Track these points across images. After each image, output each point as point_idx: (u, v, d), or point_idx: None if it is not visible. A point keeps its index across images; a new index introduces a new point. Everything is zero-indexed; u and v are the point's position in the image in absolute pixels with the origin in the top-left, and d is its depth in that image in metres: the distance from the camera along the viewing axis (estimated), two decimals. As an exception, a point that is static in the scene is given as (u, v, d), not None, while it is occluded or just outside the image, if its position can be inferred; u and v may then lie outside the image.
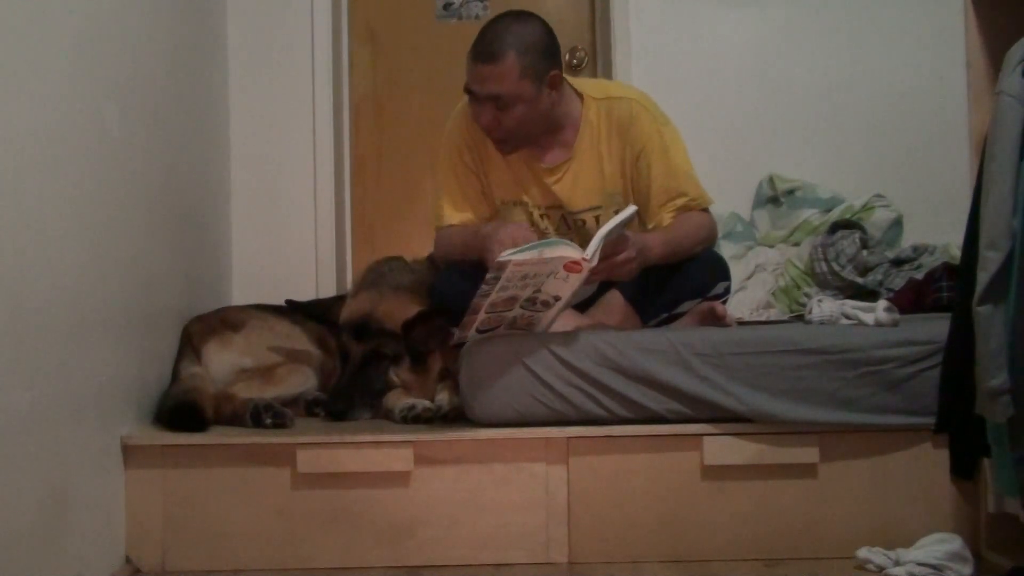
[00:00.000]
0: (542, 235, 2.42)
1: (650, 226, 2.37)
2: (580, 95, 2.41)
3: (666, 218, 2.34)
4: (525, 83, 2.25)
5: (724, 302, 2.42)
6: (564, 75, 2.37)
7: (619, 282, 2.31)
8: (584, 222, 2.43)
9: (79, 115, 1.98)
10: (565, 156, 2.40)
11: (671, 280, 2.32)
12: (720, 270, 2.40)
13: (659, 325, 2.36)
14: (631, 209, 2.12)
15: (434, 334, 2.37)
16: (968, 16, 2.38)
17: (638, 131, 2.36)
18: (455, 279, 2.37)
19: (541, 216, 2.46)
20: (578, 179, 2.40)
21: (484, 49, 2.24)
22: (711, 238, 2.42)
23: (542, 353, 2.15)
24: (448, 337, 2.32)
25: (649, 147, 2.35)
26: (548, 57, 2.29)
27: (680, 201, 2.34)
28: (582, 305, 2.37)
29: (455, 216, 2.45)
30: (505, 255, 1.97)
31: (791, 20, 3.42)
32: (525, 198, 2.45)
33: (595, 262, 2.03)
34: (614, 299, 2.36)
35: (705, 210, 2.39)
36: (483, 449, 2.15)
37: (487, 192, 2.48)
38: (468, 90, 2.30)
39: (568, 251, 2.01)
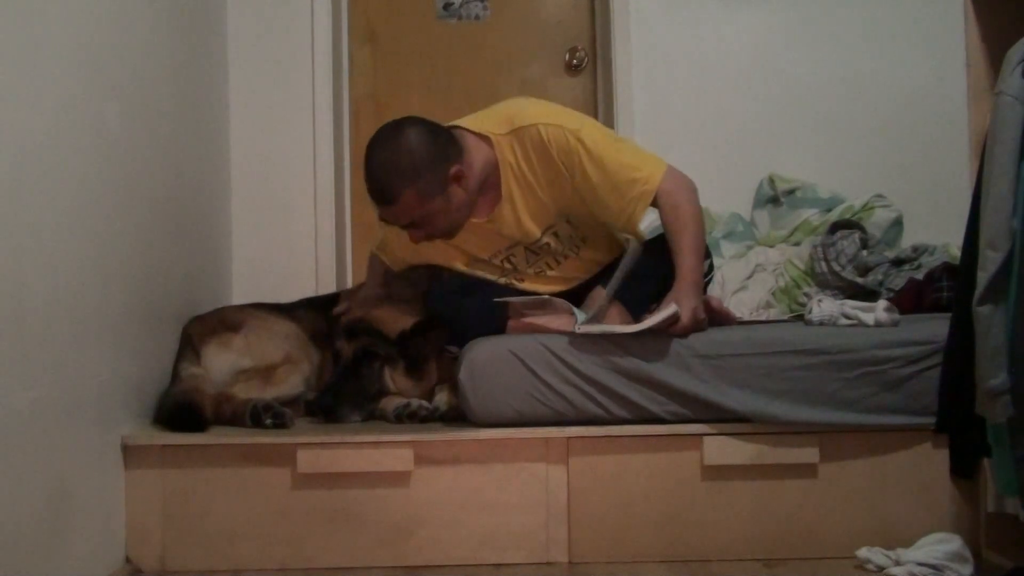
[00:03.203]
0: (514, 271, 2.43)
1: (620, 223, 2.32)
2: (485, 137, 2.32)
3: (638, 210, 2.26)
4: (430, 201, 2.22)
5: (709, 280, 2.40)
6: (455, 125, 2.33)
7: (602, 279, 2.34)
8: (549, 244, 2.38)
9: (80, 115, 1.98)
10: (496, 201, 2.34)
11: (656, 271, 2.28)
12: None
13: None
14: (671, 309, 2.12)
15: (431, 343, 2.38)
16: (968, 16, 2.38)
17: (559, 150, 2.25)
18: (449, 294, 2.41)
19: (504, 261, 2.43)
20: (520, 215, 2.34)
21: (378, 195, 2.23)
22: (699, 209, 2.29)
23: (542, 353, 2.15)
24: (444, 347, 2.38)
25: (578, 160, 2.24)
26: (439, 163, 2.22)
27: (635, 190, 2.24)
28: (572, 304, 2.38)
29: (382, 252, 2.63)
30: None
31: (791, 20, 3.42)
32: (482, 255, 2.42)
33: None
34: (599, 295, 2.32)
35: (683, 185, 2.28)
36: (483, 449, 2.15)
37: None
38: (383, 220, 2.32)
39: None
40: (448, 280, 2.48)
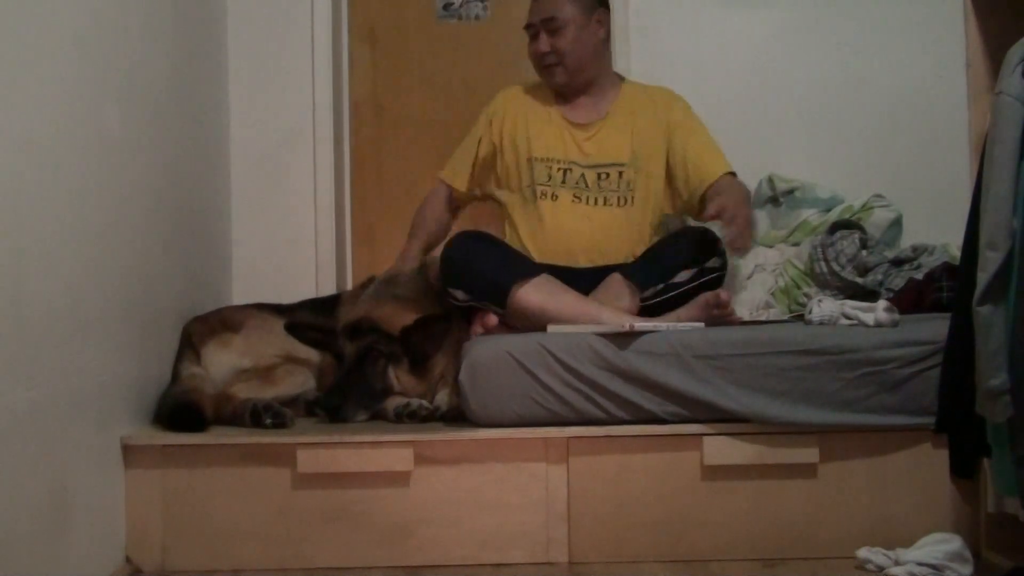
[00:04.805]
0: (560, 184, 2.64)
1: (706, 185, 2.64)
2: (621, 78, 2.77)
3: (722, 167, 2.67)
4: (576, 8, 2.63)
5: (721, 277, 2.48)
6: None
7: (620, 266, 2.46)
8: (607, 175, 2.64)
9: (79, 115, 1.98)
10: (597, 117, 2.70)
11: (664, 252, 2.44)
12: (710, 244, 2.46)
13: (656, 296, 2.36)
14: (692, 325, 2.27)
15: (434, 339, 2.38)
16: (968, 16, 2.38)
17: (676, 110, 2.71)
18: (471, 239, 2.43)
19: (560, 170, 2.65)
20: (608, 137, 2.68)
21: None
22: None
23: (541, 355, 2.15)
24: (448, 340, 2.37)
25: (687, 125, 2.69)
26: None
27: (723, 162, 2.66)
28: (585, 289, 2.44)
29: (448, 175, 2.82)
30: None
31: (791, 20, 3.42)
32: (550, 153, 2.67)
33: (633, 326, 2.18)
34: (614, 280, 2.42)
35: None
36: (483, 449, 2.15)
37: (498, 160, 2.74)
38: (527, 25, 2.68)
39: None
40: (472, 231, 2.55)
